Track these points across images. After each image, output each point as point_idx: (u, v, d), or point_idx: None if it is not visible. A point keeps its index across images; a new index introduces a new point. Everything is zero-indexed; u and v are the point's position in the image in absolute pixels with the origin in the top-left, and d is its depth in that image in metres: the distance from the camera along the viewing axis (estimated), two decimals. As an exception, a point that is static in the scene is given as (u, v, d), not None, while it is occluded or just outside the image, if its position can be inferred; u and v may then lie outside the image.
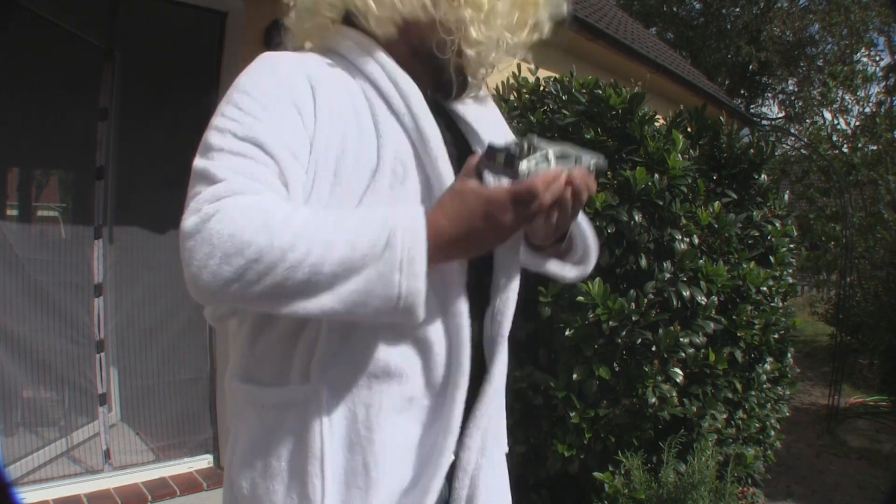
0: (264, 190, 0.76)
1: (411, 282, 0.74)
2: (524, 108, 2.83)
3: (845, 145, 8.02)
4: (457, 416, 0.86)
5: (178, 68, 3.23)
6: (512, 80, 3.00)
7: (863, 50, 12.11)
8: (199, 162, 0.78)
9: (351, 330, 0.84)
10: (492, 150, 0.80)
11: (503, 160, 0.78)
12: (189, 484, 2.99)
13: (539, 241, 0.95)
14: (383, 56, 0.91)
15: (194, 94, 3.31)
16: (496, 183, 0.82)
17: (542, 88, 2.87)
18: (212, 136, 0.79)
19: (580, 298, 2.32)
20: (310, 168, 0.82)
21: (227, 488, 0.93)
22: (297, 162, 0.80)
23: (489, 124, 1.01)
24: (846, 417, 5.69)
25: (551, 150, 0.80)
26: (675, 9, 18.35)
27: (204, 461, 3.17)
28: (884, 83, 9.22)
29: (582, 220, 0.99)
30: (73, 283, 2.96)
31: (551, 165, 0.79)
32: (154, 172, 3.18)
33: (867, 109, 8.24)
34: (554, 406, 2.43)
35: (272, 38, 3.31)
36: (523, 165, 0.77)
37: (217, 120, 0.81)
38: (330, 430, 0.83)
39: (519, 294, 0.99)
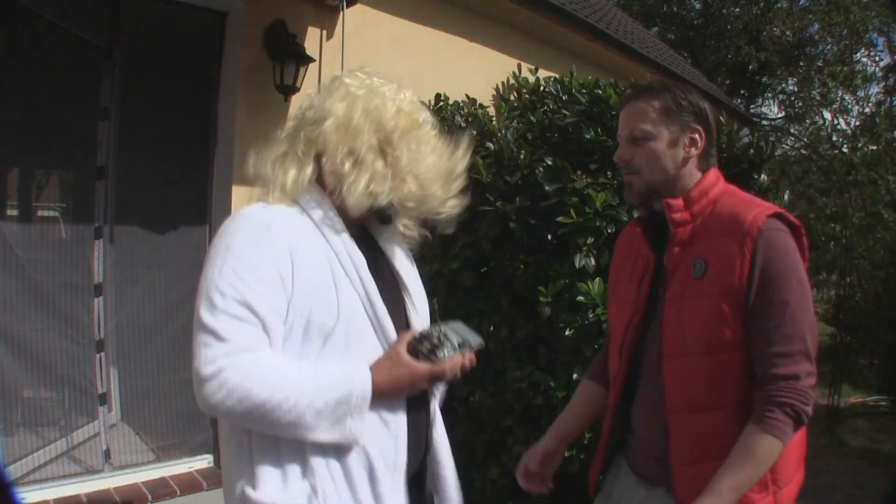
0: (258, 348, 1.09)
1: (357, 423, 1.15)
2: (524, 108, 2.83)
3: (845, 145, 8.02)
4: (400, 482, 1.23)
5: (178, 68, 3.23)
6: (512, 80, 3.01)
7: (862, 50, 12.12)
8: (205, 316, 1.08)
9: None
10: (419, 339, 1.23)
11: (427, 350, 1.22)
12: (189, 484, 2.99)
13: None
14: (343, 229, 1.23)
15: (194, 94, 3.31)
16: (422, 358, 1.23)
17: (542, 88, 2.88)
18: (215, 296, 1.08)
19: (580, 298, 2.33)
20: (287, 321, 1.13)
21: None
22: (279, 320, 1.12)
23: (403, 259, 1.38)
24: (846, 417, 5.69)
25: (456, 341, 1.25)
26: (675, 9, 18.36)
27: (204, 461, 3.17)
28: (883, 83, 9.24)
29: None
30: (73, 283, 2.96)
31: (456, 352, 1.24)
32: (154, 172, 3.18)
33: (867, 109, 8.25)
34: (554, 406, 2.43)
35: (271, 38, 3.32)
36: (441, 355, 1.22)
37: (217, 279, 1.10)
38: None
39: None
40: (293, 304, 1.13)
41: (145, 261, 3.19)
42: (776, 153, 4.27)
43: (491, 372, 2.66)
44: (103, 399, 2.99)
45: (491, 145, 2.64)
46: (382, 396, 1.18)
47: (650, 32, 12.66)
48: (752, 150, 2.98)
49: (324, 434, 1.12)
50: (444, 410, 2.70)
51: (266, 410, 1.07)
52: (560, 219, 2.35)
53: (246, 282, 1.09)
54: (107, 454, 2.95)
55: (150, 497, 2.84)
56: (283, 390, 1.08)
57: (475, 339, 1.30)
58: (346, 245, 1.22)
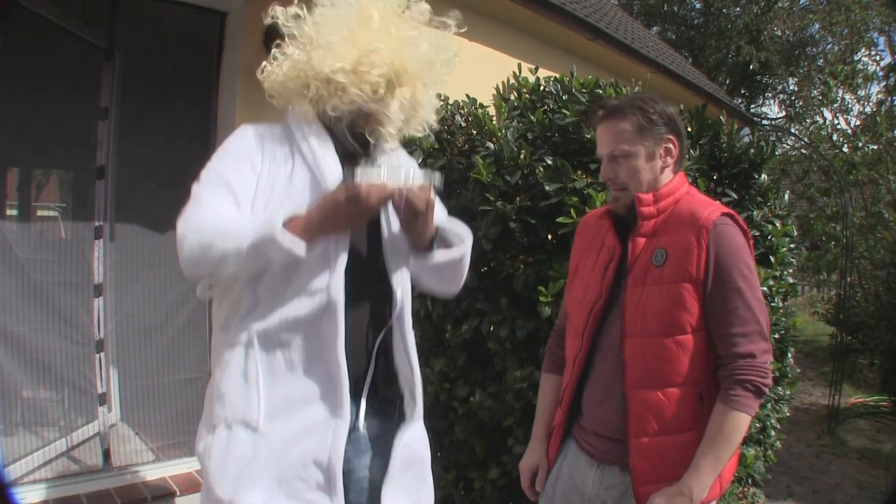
0: (222, 204, 1.39)
1: (294, 240, 1.31)
2: (524, 108, 2.83)
3: (846, 145, 8.01)
4: (340, 351, 1.39)
5: (178, 68, 3.23)
6: (512, 80, 3.01)
7: (863, 49, 12.10)
8: (193, 188, 1.42)
9: (265, 300, 1.41)
10: (350, 170, 1.33)
11: (352, 174, 1.31)
12: (189, 484, 3.00)
13: (417, 244, 1.52)
14: (319, 135, 1.49)
15: (194, 94, 3.31)
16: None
17: (542, 88, 2.87)
18: (203, 174, 1.44)
19: (580, 298, 2.32)
20: (256, 190, 1.43)
21: (209, 389, 1.53)
22: (247, 189, 1.43)
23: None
24: (846, 417, 5.70)
25: (385, 166, 1.33)
26: (675, 8, 18.35)
27: (204, 461, 3.16)
28: (884, 83, 9.21)
29: (452, 223, 1.60)
30: (73, 283, 2.96)
31: (382, 175, 1.31)
32: (154, 172, 3.18)
33: (868, 109, 8.23)
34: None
35: (271, 38, 3.31)
36: (357, 176, 1.30)
37: (207, 166, 1.45)
38: (256, 358, 1.41)
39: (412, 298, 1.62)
40: (261, 182, 1.43)
41: (145, 261, 3.18)
42: (776, 153, 4.27)
43: (491, 372, 2.66)
44: (103, 399, 2.99)
45: (491, 145, 2.64)
46: (314, 228, 1.34)
47: (650, 32, 12.66)
48: (752, 150, 2.98)
49: (262, 250, 1.31)
50: (444, 410, 2.71)
51: (213, 245, 1.32)
52: (560, 219, 2.35)
53: (223, 163, 1.44)
54: (106, 454, 2.95)
55: (149, 497, 2.84)
56: (226, 229, 1.34)
57: (426, 174, 1.41)
58: (314, 149, 1.46)
